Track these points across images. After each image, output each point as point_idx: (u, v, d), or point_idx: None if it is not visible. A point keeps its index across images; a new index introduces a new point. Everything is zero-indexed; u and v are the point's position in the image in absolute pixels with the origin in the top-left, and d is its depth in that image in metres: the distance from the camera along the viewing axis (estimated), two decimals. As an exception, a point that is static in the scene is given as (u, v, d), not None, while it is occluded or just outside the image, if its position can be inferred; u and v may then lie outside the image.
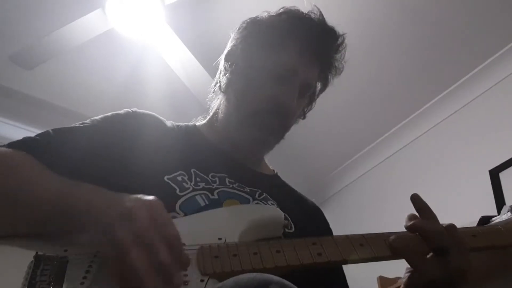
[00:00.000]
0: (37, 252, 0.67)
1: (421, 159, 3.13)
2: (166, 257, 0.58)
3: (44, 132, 0.89)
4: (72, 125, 0.94)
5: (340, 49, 1.04)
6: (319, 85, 1.09)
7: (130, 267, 0.56)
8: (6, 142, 0.85)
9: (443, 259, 0.72)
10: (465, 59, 2.77)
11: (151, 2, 2.30)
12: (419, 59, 2.78)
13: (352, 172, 3.65)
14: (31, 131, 3.06)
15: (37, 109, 3.11)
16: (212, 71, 2.59)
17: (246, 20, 1.07)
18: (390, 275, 2.24)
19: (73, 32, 2.36)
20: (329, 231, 1.07)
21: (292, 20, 1.02)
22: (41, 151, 0.82)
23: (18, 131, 3.08)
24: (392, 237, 0.75)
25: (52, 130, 0.90)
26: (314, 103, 1.12)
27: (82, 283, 0.64)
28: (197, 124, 1.11)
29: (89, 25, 2.36)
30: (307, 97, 1.07)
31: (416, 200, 0.80)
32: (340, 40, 1.04)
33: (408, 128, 3.23)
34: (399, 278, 2.17)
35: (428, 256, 0.74)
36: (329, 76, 1.08)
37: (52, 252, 0.68)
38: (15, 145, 0.84)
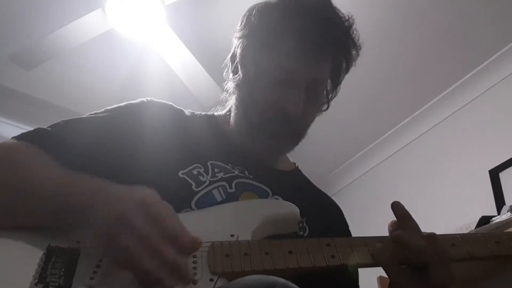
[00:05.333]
0: (49, 244, 0.67)
1: (420, 159, 3.13)
2: (171, 255, 0.59)
3: (55, 123, 0.88)
4: (84, 116, 0.92)
5: (347, 34, 0.93)
6: (341, 69, 0.98)
7: (142, 271, 0.58)
8: (6, 143, 0.85)
9: (422, 273, 0.71)
10: (465, 59, 2.77)
11: (151, 2, 2.30)
12: (420, 59, 2.78)
13: (351, 172, 3.65)
14: (31, 131, 3.05)
15: (37, 109, 3.11)
16: (212, 70, 2.59)
17: (245, 14, 0.99)
18: (390, 275, 2.23)
19: (73, 32, 2.36)
20: (347, 234, 1.01)
21: (285, 13, 0.92)
22: (50, 143, 0.82)
23: (18, 131, 3.06)
24: (375, 248, 0.73)
25: (63, 121, 0.89)
26: (338, 88, 1.01)
27: (92, 278, 0.64)
28: (215, 114, 1.07)
29: (89, 25, 2.36)
30: (321, 89, 0.98)
31: (396, 208, 0.78)
32: (347, 24, 0.92)
33: (408, 129, 3.23)
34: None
35: (409, 269, 0.73)
36: (350, 60, 0.97)
37: (64, 244, 0.68)
38: (25, 136, 0.83)
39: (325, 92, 1.00)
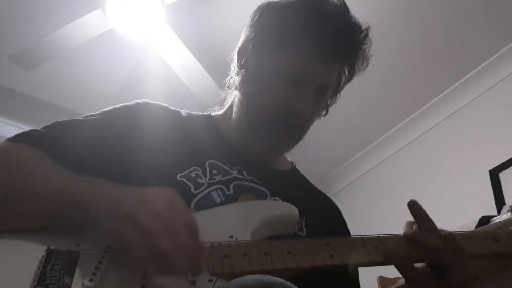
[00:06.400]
0: (49, 246, 0.67)
1: (420, 159, 3.13)
2: (189, 242, 0.62)
3: (50, 124, 0.88)
4: (80, 117, 0.91)
5: (363, 44, 0.94)
6: (343, 77, 0.99)
7: (159, 252, 0.60)
8: (6, 142, 0.84)
9: (440, 274, 0.71)
10: (465, 59, 2.77)
11: (151, 2, 2.30)
12: (419, 59, 2.78)
13: (351, 172, 3.65)
14: (31, 131, 3.05)
15: (37, 109, 3.11)
16: (212, 70, 2.59)
17: (259, 6, 0.97)
18: (390, 275, 2.23)
19: (73, 32, 2.36)
20: (346, 232, 1.01)
21: (306, 14, 0.91)
22: (46, 145, 0.81)
23: (18, 131, 3.06)
24: (387, 247, 0.73)
25: (59, 122, 0.88)
26: (338, 96, 1.02)
27: (91, 280, 0.64)
28: (212, 114, 1.06)
29: (89, 25, 2.36)
30: (328, 94, 0.98)
31: (414, 207, 0.77)
32: (362, 34, 0.93)
33: (408, 129, 3.23)
34: (399, 278, 2.17)
35: (424, 268, 0.73)
36: (355, 69, 0.98)
37: (64, 246, 0.68)
38: (21, 138, 0.83)
39: (328, 98, 1.00)
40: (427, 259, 0.72)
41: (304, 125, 0.96)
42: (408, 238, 0.75)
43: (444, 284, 0.71)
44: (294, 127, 0.94)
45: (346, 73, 0.98)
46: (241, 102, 0.97)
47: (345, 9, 0.93)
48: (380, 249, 0.74)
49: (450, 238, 0.74)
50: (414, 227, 0.77)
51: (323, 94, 0.96)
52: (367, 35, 0.94)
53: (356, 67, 0.97)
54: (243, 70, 0.97)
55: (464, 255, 0.74)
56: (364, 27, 0.94)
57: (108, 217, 0.65)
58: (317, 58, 0.90)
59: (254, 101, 0.95)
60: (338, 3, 0.93)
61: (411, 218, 0.78)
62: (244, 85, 0.97)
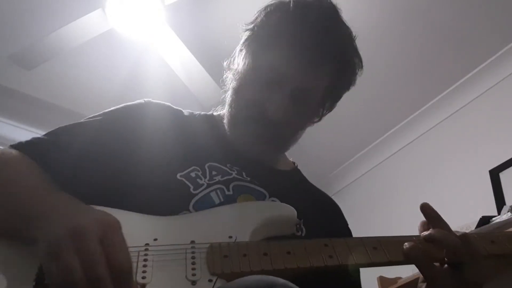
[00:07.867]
0: None
1: (420, 159, 3.13)
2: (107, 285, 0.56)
3: (52, 131, 0.89)
4: (82, 120, 0.93)
5: (346, 49, 0.92)
6: (338, 85, 0.97)
7: None
8: (6, 142, 0.85)
9: (458, 272, 0.72)
10: (465, 59, 2.77)
11: (151, 2, 2.30)
12: (420, 59, 2.78)
13: (351, 172, 3.65)
14: (31, 131, 3.07)
15: (37, 109, 3.11)
16: (212, 70, 2.59)
17: (262, 7, 0.98)
18: (390, 275, 2.24)
19: (73, 32, 2.36)
20: (347, 232, 1.01)
21: (288, 17, 0.91)
22: (40, 153, 0.82)
23: (18, 131, 3.08)
24: (407, 245, 0.73)
25: (61, 127, 0.90)
26: (334, 104, 1.00)
27: None
28: (214, 114, 1.07)
29: (89, 25, 2.37)
30: (312, 101, 0.95)
31: (427, 209, 0.77)
32: (346, 39, 0.92)
33: (408, 129, 3.23)
34: (399, 278, 2.17)
35: (443, 267, 0.74)
36: (344, 77, 0.95)
37: None
38: (18, 145, 0.84)
39: (318, 105, 0.98)
40: (445, 258, 0.73)
41: (280, 129, 0.93)
42: (426, 238, 0.75)
43: (462, 283, 0.72)
44: (268, 129, 0.92)
45: (339, 81, 0.96)
46: (227, 99, 0.99)
47: (331, 12, 0.92)
48: (380, 250, 0.74)
49: (465, 237, 0.74)
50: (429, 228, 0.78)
51: (303, 99, 0.93)
52: (350, 42, 0.93)
53: (344, 74, 0.95)
54: (234, 69, 0.99)
55: (480, 255, 0.75)
56: (347, 32, 0.93)
57: (41, 242, 0.60)
58: (292, 60, 0.89)
59: (235, 101, 0.96)
60: (327, 5, 0.93)
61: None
62: (231, 83, 0.99)
